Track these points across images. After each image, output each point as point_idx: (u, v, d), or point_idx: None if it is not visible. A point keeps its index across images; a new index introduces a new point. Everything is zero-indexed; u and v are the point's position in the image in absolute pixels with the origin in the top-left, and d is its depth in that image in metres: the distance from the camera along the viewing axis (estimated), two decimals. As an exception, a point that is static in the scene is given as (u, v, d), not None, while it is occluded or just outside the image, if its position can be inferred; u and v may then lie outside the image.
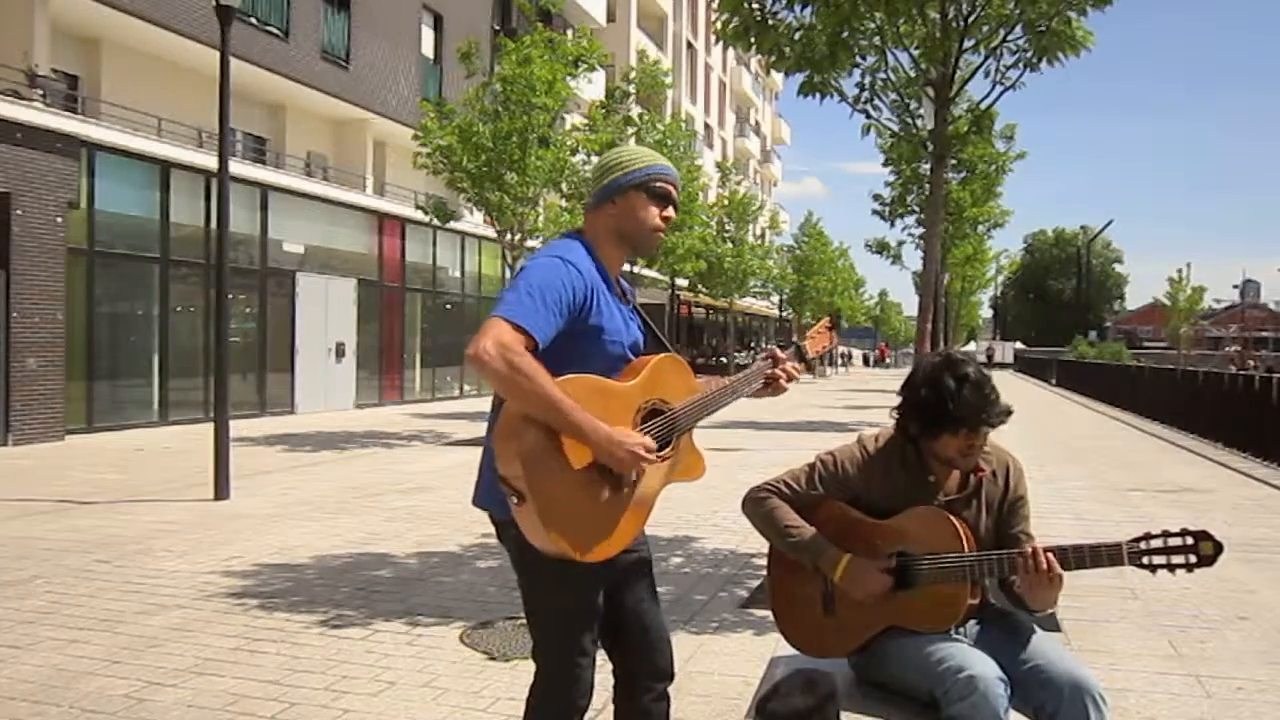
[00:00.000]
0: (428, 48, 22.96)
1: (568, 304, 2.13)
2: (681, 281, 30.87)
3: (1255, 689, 3.94)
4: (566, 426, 2.01)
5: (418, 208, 16.25)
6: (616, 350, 2.25)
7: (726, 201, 34.29)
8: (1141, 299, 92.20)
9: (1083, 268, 51.98)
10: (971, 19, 6.89)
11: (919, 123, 8.24)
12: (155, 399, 14.40)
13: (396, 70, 21.46)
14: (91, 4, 14.20)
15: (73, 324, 12.77)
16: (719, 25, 6.91)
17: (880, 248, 27.47)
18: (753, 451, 11.98)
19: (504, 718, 3.50)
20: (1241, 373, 17.81)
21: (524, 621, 2.40)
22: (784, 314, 49.59)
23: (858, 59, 7.05)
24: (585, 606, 2.25)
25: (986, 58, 7.24)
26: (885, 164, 20.48)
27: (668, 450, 2.21)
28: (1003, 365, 55.59)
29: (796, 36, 6.70)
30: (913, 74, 7.51)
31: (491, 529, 2.32)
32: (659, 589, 2.49)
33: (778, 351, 2.48)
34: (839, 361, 49.98)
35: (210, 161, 13.64)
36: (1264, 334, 76.06)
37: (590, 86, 16.45)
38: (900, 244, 28.87)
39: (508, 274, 17.14)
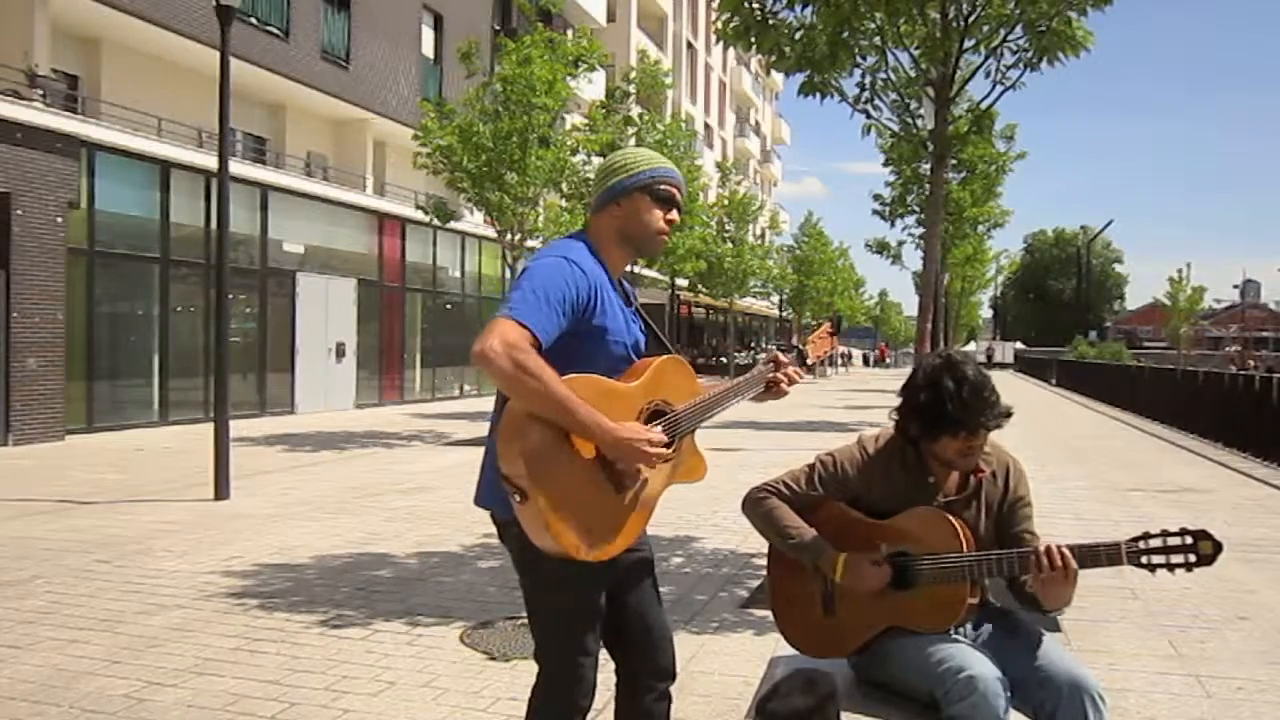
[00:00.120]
0: (428, 48, 22.96)
1: (571, 303, 2.13)
2: (681, 281, 30.90)
3: (1255, 689, 3.94)
4: (573, 424, 2.01)
5: (418, 208, 16.25)
6: (619, 351, 2.25)
7: (726, 201, 34.31)
8: (1141, 299, 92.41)
9: (1083, 268, 51.91)
10: (972, 19, 6.90)
11: (919, 123, 8.24)
12: (155, 399, 14.40)
13: (396, 70, 21.46)
14: (91, 4, 14.21)
15: (73, 324, 12.77)
16: (719, 25, 6.92)
17: (880, 248, 27.50)
18: (753, 452, 11.98)
19: (504, 718, 3.49)
20: (1242, 373, 17.80)
21: (524, 621, 2.40)
22: (784, 314, 49.63)
23: (858, 59, 7.05)
24: (587, 606, 2.25)
25: (987, 58, 7.26)
26: (885, 164, 20.52)
27: (670, 451, 2.21)
28: (1003, 365, 55.57)
29: (797, 36, 6.71)
30: (913, 74, 7.52)
31: (492, 529, 2.31)
32: (660, 589, 2.49)
33: (780, 355, 2.48)
34: (839, 362, 49.96)
35: (210, 161, 13.65)
36: (1264, 334, 76.08)
37: (590, 86, 16.45)
38: (900, 244, 28.98)
39: (508, 274, 17.15)
